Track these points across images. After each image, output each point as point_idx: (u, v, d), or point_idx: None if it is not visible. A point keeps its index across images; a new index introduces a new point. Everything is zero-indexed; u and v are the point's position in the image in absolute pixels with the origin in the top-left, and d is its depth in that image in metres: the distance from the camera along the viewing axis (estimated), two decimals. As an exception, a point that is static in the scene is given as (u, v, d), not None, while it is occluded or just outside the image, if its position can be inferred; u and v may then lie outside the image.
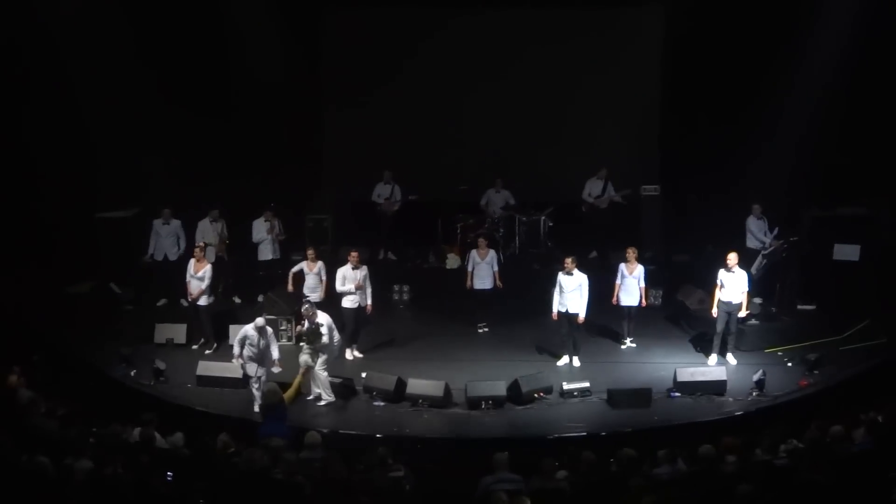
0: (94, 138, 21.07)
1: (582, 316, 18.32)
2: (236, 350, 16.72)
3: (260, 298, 20.39)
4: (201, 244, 19.84)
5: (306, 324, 16.93)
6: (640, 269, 18.91)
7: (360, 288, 18.43)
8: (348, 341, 18.69)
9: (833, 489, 12.13)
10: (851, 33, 20.53)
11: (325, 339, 16.84)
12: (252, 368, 16.75)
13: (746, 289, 18.23)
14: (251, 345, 16.66)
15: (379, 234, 22.87)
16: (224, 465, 13.52)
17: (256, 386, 16.68)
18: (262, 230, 21.14)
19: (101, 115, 21.03)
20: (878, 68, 20.28)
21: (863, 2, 20.39)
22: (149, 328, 19.56)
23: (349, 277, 18.45)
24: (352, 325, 18.53)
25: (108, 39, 20.93)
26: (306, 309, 17.21)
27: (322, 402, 17.04)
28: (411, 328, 20.05)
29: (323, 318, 17.01)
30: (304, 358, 16.90)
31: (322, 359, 16.90)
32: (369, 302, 18.73)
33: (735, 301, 18.15)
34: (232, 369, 17.50)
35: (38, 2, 20.45)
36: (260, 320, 16.95)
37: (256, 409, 16.48)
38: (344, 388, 17.24)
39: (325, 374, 17.00)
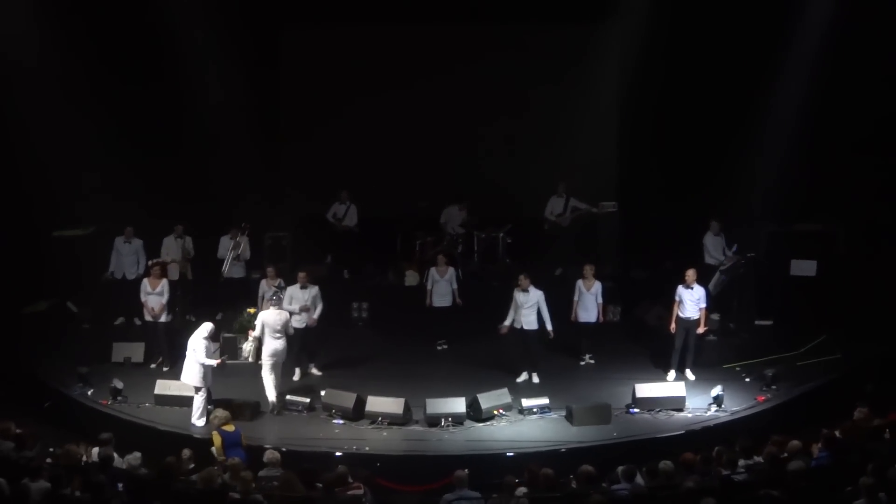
0: (47, 157, 20.88)
1: (550, 328, 18.44)
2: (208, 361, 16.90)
3: (219, 316, 20.32)
4: (159, 261, 19.84)
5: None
6: (597, 286, 19.00)
7: (304, 310, 18.38)
8: (295, 361, 18.65)
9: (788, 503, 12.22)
10: (813, 53, 20.74)
11: None
12: (209, 378, 16.93)
13: (704, 305, 18.36)
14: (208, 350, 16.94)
15: (338, 252, 22.79)
16: (181, 485, 13.47)
17: (204, 398, 16.84)
18: (226, 247, 21.13)
19: (55, 134, 20.91)
20: (836, 87, 20.42)
21: (825, 23, 20.54)
22: (106, 347, 19.50)
23: (296, 298, 18.43)
24: (297, 345, 18.39)
25: (59, 60, 20.85)
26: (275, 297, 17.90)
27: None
28: (370, 346, 20.04)
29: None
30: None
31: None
32: (314, 316, 18.61)
33: (693, 317, 18.27)
34: (190, 388, 17.47)
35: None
36: (208, 325, 17.20)
37: (199, 422, 16.73)
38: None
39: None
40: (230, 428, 15.28)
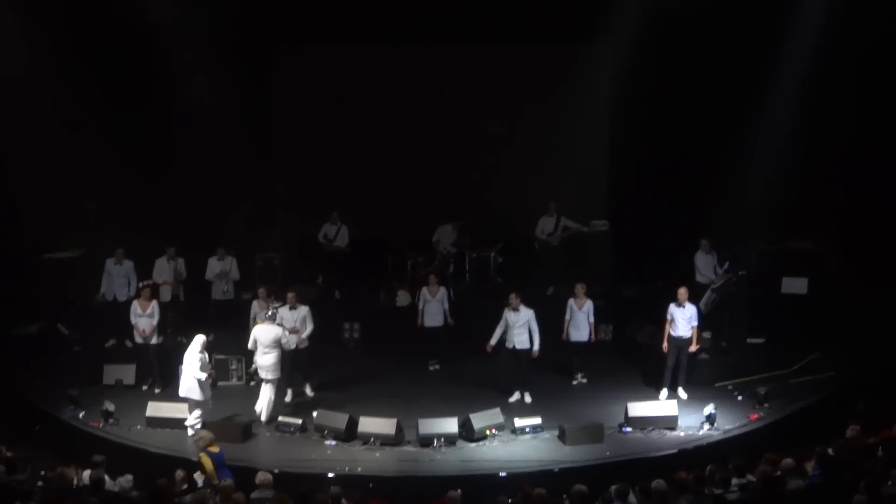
0: (38, 179, 20.87)
1: (536, 349, 18.45)
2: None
3: (210, 337, 20.25)
4: (148, 283, 19.85)
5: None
6: (589, 305, 19.01)
7: (294, 331, 18.35)
8: (287, 382, 18.60)
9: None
10: (803, 68, 20.80)
11: None
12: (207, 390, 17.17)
13: (696, 323, 18.39)
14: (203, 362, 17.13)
15: (329, 273, 22.78)
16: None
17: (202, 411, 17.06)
18: (214, 268, 21.18)
19: (46, 156, 20.94)
20: (826, 105, 20.49)
21: (814, 40, 20.63)
22: (97, 369, 19.47)
23: (286, 318, 18.40)
24: (289, 366, 18.34)
25: (48, 80, 20.86)
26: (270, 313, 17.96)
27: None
28: (362, 366, 20.01)
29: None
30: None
31: None
32: (304, 336, 18.59)
33: (685, 335, 18.31)
34: (182, 410, 17.51)
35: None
36: (201, 337, 17.44)
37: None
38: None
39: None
40: (215, 449, 15.22)
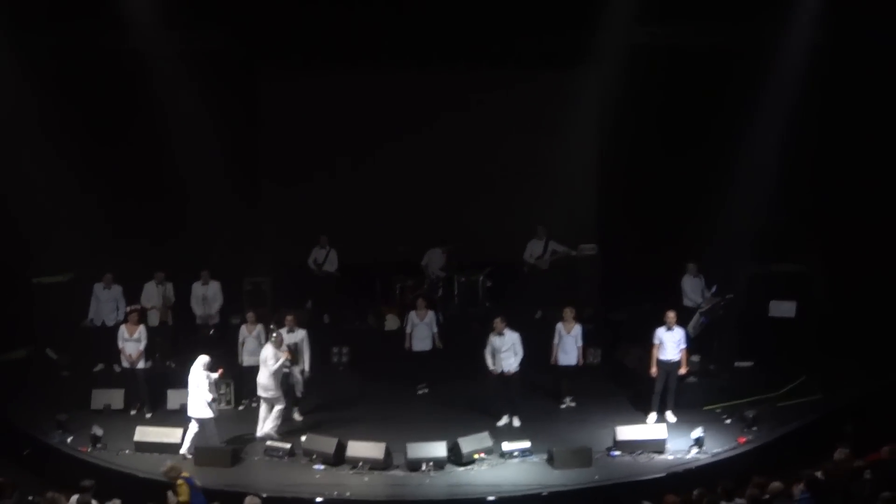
0: (26, 204, 20.92)
1: (517, 374, 18.46)
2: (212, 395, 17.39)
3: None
4: (136, 307, 19.87)
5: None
6: (577, 329, 19.04)
7: (290, 354, 18.33)
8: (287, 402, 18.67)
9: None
10: (784, 103, 20.98)
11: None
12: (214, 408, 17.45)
13: (684, 346, 18.42)
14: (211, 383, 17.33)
15: (318, 297, 22.80)
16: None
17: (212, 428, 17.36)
18: (196, 294, 21.26)
19: (34, 182, 20.99)
20: (811, 132, 20.64)
21: (796, 75, 20.82)
22: (86, 394, 19.44)
23: (284, 340, 18.41)
24: (283, 388, 18.34)
25: (35, 107, 20.94)
26: (278, 334, 18.02)
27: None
28: (351, 390, 19.97)
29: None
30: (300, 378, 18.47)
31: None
32: (306, 367, 18.74)
33: (674, 359, 18.34)
34: (170, 434, 17.53)
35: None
36: (204, 357, 17.51)
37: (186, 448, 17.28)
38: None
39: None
40: (186, 474, 15.22)
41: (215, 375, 17.60)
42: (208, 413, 17.34)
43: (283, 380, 18.28)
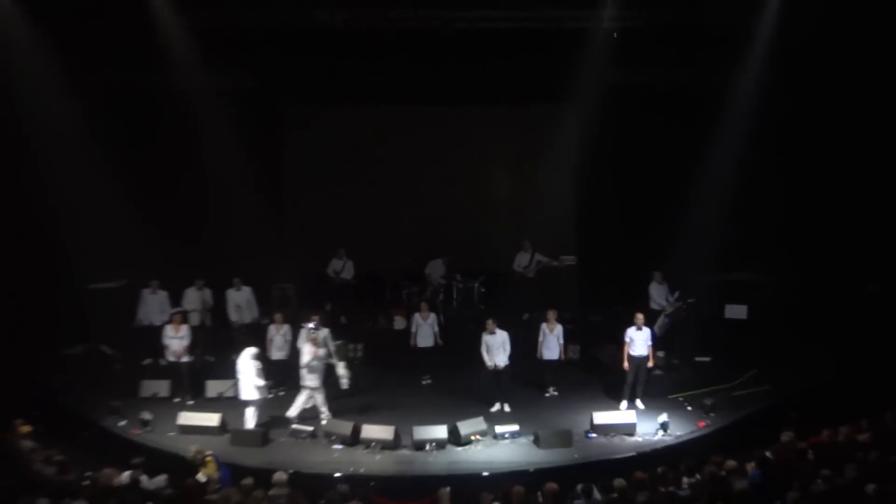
0: (87, 221, 20.88)
1: (507, 368, 18.41)
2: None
3: (233, 356, 20.23)
4: (180, 309, 19.85)
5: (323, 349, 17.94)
6: (559, 328, 19.01)
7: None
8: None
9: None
10: (740, 132, 20.99)
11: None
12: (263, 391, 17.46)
13: (651, 344, 18.37)
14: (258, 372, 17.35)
15: (336, 301, 22.73)
16: (201, 503, 13.40)
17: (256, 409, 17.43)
18: (234, 299, 21.21)
19: (94, 202, 20.93)
20: (760, 159, 20.67)
21: (746, 108, 20.85)
22: (135, 384, 19.37)
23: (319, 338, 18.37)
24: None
25: (99, 137, 20.88)
26: (313, 333, 17.93)
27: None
28: (364, 381, 19.81)
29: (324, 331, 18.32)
30: (343, 373, 18.20)
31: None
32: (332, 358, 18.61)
33: (643, 354, 18.29)
34: (209, 419, 17.49)
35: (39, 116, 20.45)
36: (252, 349, 17.63)
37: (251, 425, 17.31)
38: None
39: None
40: (211, 452, 15.32)
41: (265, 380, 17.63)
42: (255, 396, 17.39)
43: (327, 373, 18.23)
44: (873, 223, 20.11)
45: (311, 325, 18.24)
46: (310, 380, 17.83)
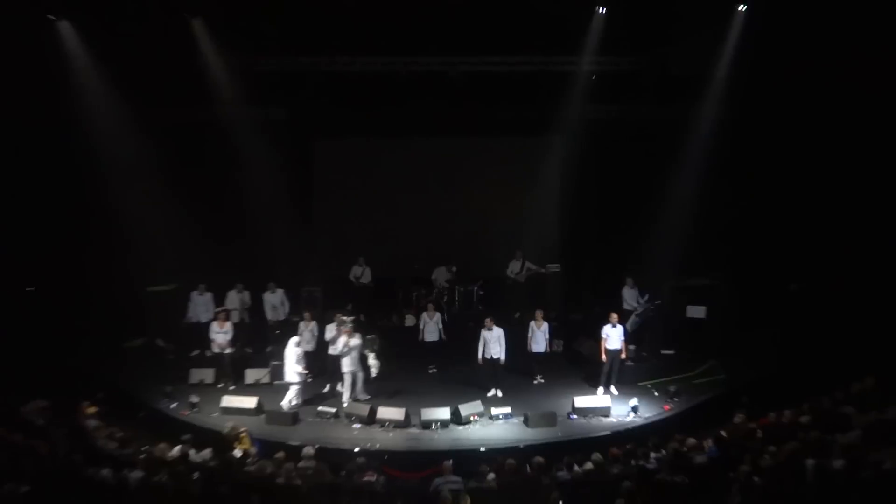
0: (147, 236, 21.06)
1: (503, 359, 18.42)
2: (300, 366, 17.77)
3: (269, 349, 20.34)
4: (223, 309, 19.91)
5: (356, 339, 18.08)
6: (545, 325, 19.03)
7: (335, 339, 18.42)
8: (329, 380, 18.71)
9: (687, 487, 12.22)
10: (699, 159, 21.09)
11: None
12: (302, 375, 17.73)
13: (624, 339, 18.40)
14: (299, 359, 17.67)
15: (356, 301, 22.76)
16: (240, 473, 13.44)
17: (297, 390, 17.70)
18: (270, 301, 21.27)
19: (151, 218, 21.10)
20: (716, 183, 20.75)
21: (704, 139, 20.99)
22: (185, 372, 19.41)
23: (331, 330, 18.48)
24: (331, 368, 18.51)
25: (159, 164, 21.09)
26: (348, 326, 18.15)
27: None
28: (380, 370, 19.89)
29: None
30: (374, 363, 18.36)
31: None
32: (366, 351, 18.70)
33: (617, 348, 18.31)
34: (248, 402, 17.55)
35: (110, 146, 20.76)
36: (295, 338, 18.10)
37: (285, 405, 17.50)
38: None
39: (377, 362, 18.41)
40: (245, 428, 15.60)
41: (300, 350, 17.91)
42: (295, 379, 17.60)
43: (360, 362, 18.34)
44: (799, 233, 20.08)
45: (346, 319, 18.42)
46: (346, 365, 17.96)
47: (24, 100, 19.03)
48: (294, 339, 17.96)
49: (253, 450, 15.02)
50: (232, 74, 21.36)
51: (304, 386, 17.95)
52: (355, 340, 18.09)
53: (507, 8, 19.63)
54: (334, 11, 19.77)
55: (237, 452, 14.80)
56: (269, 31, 20.42)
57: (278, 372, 19.20)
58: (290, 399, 17.69)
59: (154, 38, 19.16)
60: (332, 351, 18.37)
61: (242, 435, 15.28)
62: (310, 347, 18.91)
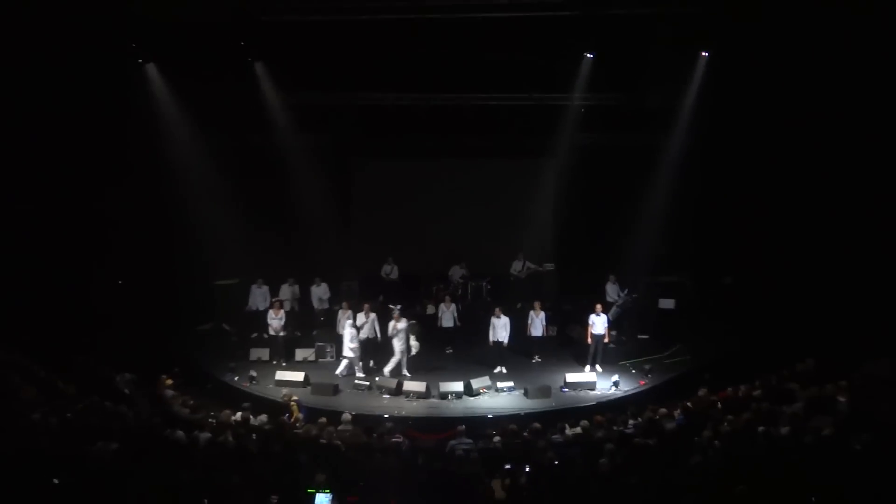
0: (215, 239, 21.05)
1: (506, 342, 18.31)
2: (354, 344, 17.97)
3: (315, 332, 20.28)
4: (278, 299, 19.88)
5: (402, 322, 18.05)
6: (542, 314, 18.94)
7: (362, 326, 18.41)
8: (363, 358, 18.54)
9: (658, 448, 12.12)
10: (671, 177, 20.94)
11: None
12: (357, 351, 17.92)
13: (606, 325, 18.29)
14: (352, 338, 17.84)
15: (386, 294, 22.68)
16: (291, 435, 13.41)
17: (347, 364, 17.83)
18: (315, 292, 21.23)
19: (221, 223, 21.07)
20: (683, 200, 20.59)
21: (676, 161, 20.84)
22: (246, 351, 19.39)
23: (360, 320, 18.42)
24: (362, 350, 18.39)
25: (222, 178, 21.09)
26: (396, 312, 18.20)
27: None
28: (418, 350, 19.66)
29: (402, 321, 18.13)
30: (415, 344, 18.15)
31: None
32: (377, 335, 18.58)
33: (600, 333, 18.21)
34: (297, 376, 17.53)
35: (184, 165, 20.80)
36: (350, 320, 18.29)
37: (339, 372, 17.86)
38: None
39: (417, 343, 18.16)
40: (296, 398, 15.51)
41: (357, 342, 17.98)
42: (350, 354, 17.78)
43: (362, 346, 18.28)
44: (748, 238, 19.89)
45: (395, 307, 18.46)
46: (396, 345, 17.89)
47: (119, 129, 19.22)
48: (349, 321, 17.95)
49: (300, 416, 14.98)
50: (285, 107, 21.39)
51: (355, 361, 17.91)
52: (402, 324, 18.00)
53: (511, 55, 19.72)
54: (370, 57, 19.83)
55: (289, 418, 14.79)
56: (316, 72, 20.43)
57: (322, 351, 19.20)
58: (342, 370, 17.73)
59: (224, 77, 19.28)
60: (361, 335, 18.27)
61: (293, 405, 15.24)
62: (344, 331, 18.84)
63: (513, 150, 23.14)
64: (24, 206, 18.45)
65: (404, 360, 18.10)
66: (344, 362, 17.99)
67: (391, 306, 18.83)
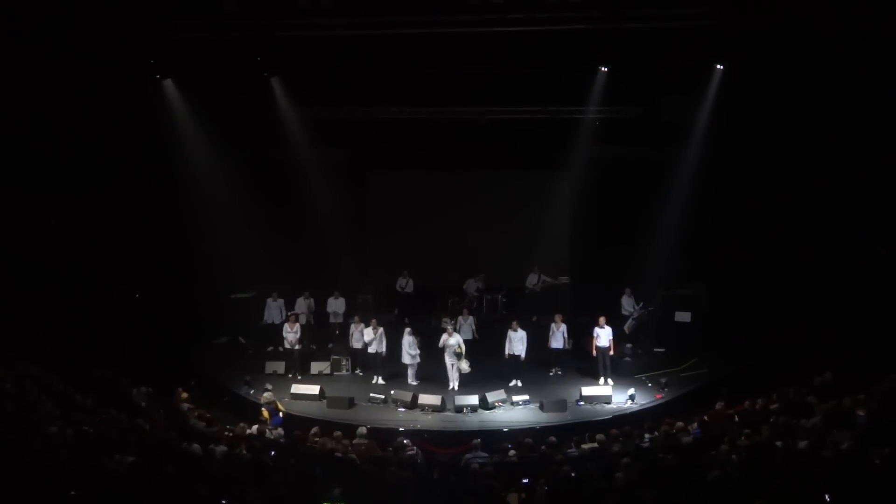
0: (232, 254, 21.20)
1: (524, 356, 18.21)
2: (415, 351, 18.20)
3: (330, 345, 20.28)
4: (293, 313, 19.92)
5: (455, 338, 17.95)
6: (563, 326, 18.85)
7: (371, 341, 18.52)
8: (378, 371, 18.56)
9: (675, 462, 12.03)
10: (686, 190, 20.84)
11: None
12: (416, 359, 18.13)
13: (611, 338, 18.21)
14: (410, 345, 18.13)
15: (402, 307, 22.68)
16: (306, 448, 13.40)
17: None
18: (332, 305, 21.33)
19: (235, 238, 21.17)
20: (698, 213, 20.47)
21: (690, 175, 20.78)
22: (261, 364, 19.44)
23: (366, 334, 18.54)
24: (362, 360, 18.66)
25: (238, 194, 21.22)
26: (451, 328, 18.25)
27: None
28: (420, 363, 19.74)
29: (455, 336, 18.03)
30: (465, 365, 17.81)
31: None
32: (383, 349, 18.59)
33: (605, 345, 18.14)
34: (312, 389, 17.51)
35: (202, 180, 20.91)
36: (408, 329, 18.45)
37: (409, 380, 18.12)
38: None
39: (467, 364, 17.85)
40: (273, 406, 15.55)
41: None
42: (409, 361, 18.06)
43: (372, 358, 18.46)
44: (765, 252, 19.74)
45: (449, 324, 18.68)
46: (447, 358, 17.85)
47: (137, 144, 19.36)
48: (408, 329, 18.17)
49: (269, 423, 14.96)
50: (302, 122, 21.48)
51: (417, 367, 18.13)
52: (452, 340, 17.93)
53: (526, 69, 19.79)
54: (386, 71, 19.93)
55: (260, 419, 14.86)
56: (333, 87, 20.55)
57: (337, 364, 19.20)
58: (410, 376, 18.04)
59: (240, 93, 19.42)
60: (370, 350, 18.31)
61: (263, 410, 15.30)
62: (359, 346, 18.83)
63: (528, 163, 23.15)
64: (45, 220, 18.62)
65: (453, 374, 18.01)
66: (410, 371, 18.17)
67: (444, 320, 18.87)
